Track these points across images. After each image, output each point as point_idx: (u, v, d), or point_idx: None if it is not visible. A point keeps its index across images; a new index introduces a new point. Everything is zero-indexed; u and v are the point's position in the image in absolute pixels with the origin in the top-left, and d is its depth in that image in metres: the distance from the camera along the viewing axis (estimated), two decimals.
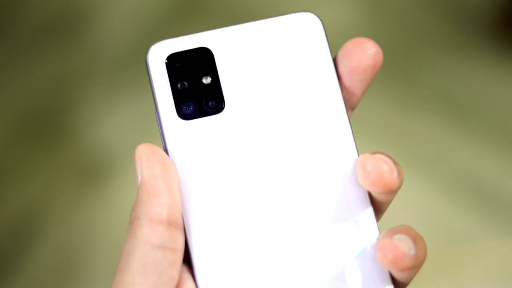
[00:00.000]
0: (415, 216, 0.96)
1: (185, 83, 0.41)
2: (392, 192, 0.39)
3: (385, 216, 0.43)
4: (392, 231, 0.39)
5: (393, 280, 0.40)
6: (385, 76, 1.03)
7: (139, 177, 0.40)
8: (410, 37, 1.06)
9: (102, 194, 0.95)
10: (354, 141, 0.41)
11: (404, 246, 0.38)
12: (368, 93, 1.03)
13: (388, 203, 0.41)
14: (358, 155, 0.40)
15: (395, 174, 0.39)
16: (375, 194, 0.40)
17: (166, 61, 0.41)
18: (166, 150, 0.40)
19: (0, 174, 0.99)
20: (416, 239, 0.39)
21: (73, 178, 0.98)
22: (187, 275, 0.40)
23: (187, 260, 0.40)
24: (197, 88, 0.41)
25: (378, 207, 0.41)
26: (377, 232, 0.40)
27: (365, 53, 0.40)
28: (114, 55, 1.04)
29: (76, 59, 1.04)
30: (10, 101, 1.02)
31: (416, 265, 0.39)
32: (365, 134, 0.95)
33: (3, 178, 0.99)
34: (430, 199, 0.97)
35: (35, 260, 0.95)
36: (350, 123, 0.41)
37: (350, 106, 0.42)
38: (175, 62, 0.41)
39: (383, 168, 0.39)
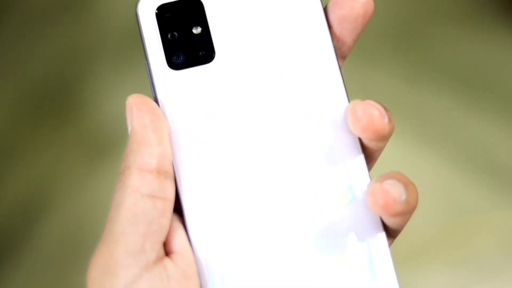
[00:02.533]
0: (425, 188, 0.95)
1: (175, 34, 0.41)
2: (383, 138, 0.39)
3: None
4: (383, 177, 0.39)
5: (385, 227, 0.40)
6: (395, 48, 1.03)
7: (129, 128, 0.40)
8: (421, 10, 1.06)
9: (111, 169, 0.95)
10: (345, 89, 0.41)
11: (395, 191, 0.38)
12: (378, 66, 1.03)
13: (380, 150, 0.40)
14: (349, 103, 0.40)
15: (386, 119, 0.39)
16: (366, 141, 0.40)
17: (156, 11, 0.41)
18: (156, 100, 0.40)
19: (9, 149, 1.00)
20: (407, 184, 0.38)
21: (82, 154, 0.99)
22: (178, 224, 0.39)
23: (178, 210, 0.40)
24: (187, 38, 0.41)
25: (369, 155, 0.40)
26: (368, 180, 0.40)
27: (355, 1, 0.40)
28: (124, 30, 1.04)
29: (85, 34, 1.04)
30: (19, 77, 1.03)
31: (408, 211, 0.38)
32: None
33: (12, 154, 0.99)
34: (440, 171, 0.97)
35: (44, 234, 0.96)
36: (341, 72, 0.41)
37: (341, 55, 0.41)
38: (165, 13, 0.41)
39: (373, 114, 0.38)
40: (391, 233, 0.40)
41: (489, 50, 1.03)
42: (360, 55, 0.98)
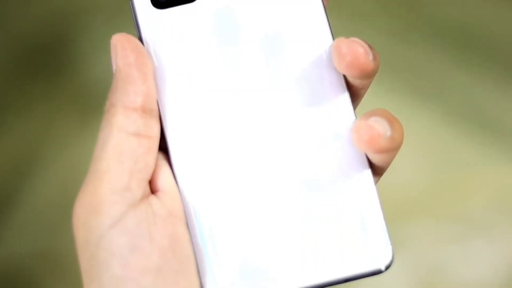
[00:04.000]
0: (417, 144, 0.96)
1: None
2: (368, 75, 0.39)
3: None
4: (368, 114, 0.39)
5: (371, 165, 0.40)
6: (385, 5, 1.03)
7: (114, 66, 0.39)
8: None
9: None
10: (330, 28, 0.40)
11: (380, 127, 0.38)
12: (368, 22, 1.03)
13: (365, 88, 0.40)
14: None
15: (370, 56, 0.38)
16: (351, 78, 0.40)
17: None
18: (140, 40, 0.40)
19: (1, 105, 0.99)
20: (392, 121, 0.38)
21: (74, 111, 0.99)
22: (163, 163, 0.39)
23: (164, 149, 0.40)
24: None
25: (354, 93, 0.40)
26: (354, 118, 0.40)
27: None
28: None
29: None
30: (11, 33, 1.02)
31: (393, 148, 0.38)
32: None
33: (4, 111, 0.99)
34: (432, 126, 0.97)
35: (36, 190, 0.96)
36: (325, 11, 0.40)
37: None
38: None
39: (358, 50, 0.38)
40: (377, 170, 0.40)
41: (480, 4, 1.02)
42: (350, 11, 0.98)
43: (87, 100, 0.98)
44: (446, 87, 0.99)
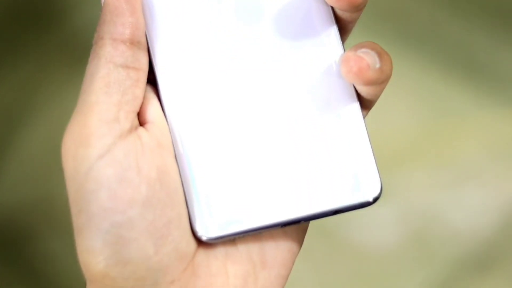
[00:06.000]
0: (408, 92, 0.96)
1: None
2: (356, 8, 0.39)
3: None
4: (357, 46, 0.38)
5: (359, 99, 0.40)
6: None
7: (102, 0, 0.39)
8: None
9: None
10: None
11: (369, 58, 0.38)
12: None
13: (354, 22, 0.40)
14: None
15: None
16: (339, 12, 0.39)
17: None
18: None
19: None
20: (381, 53, 0.38)
21: (64, 59, 0.98)
22: (152, 95, 0.39)
23: (153, 82, 0.40)
24: None
25: (343, 27, 0.40)
26: (342, 51, 0.40)
27: None
28: None
29: None
30: None
31: (382, 80, 0.38)
32: None
33: None
34: (423, 73, 0.97)
35: (28, 141, 0.96)
36: None
37: None
38: None
39: None
40: (365, 104, 0.40)
41: None
42: None
43: (77, 48, 0.98)
44: (437, 34, 0.98)
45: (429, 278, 0.91)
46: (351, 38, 0.41)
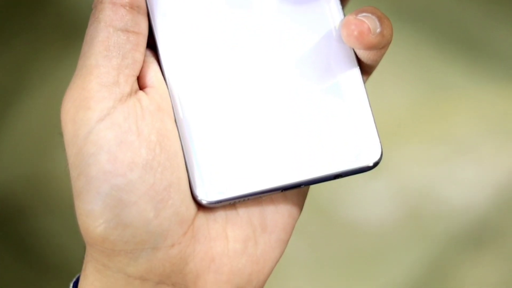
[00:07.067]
0: (402, 65, 0.96)
1: None
2: None
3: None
4: (358, 11, 0.38)
5: (360, 64, 0.40)
6: None
7: None
8: None
9: None
10: None
11: (369, 22, 0.38)
12: None
13: None
14: None
15: None
16: None
17: None
18: None
19: None
20: (382, 18, 0.38)
21: (57, 37, 0.98)
22: (152, 60, 0.39)
23: (152, 46, 0.39)
24: None
25: None
26: (342, 16, 0.39)
27: None
28: None
29: None
30: None
31: (383, 44, 0.38)
32: None
33: None
34: (417, 48, 0.97)
35: (22, 118, 0.95)
36: None
37: None
38: None
39: None
40: (365, 69, 0.40)
41: None
42: None
43: (70, 25, 0.98)
44: (431, 9, 0.98)
45: (423, 254, 0.91)
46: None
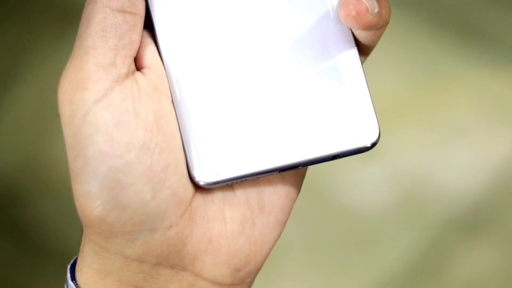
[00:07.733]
0: (399, 50, 0.95)
1: None
2: None
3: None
4: None
5: (357, 44, 0.39)
6: None
7: None
8: None
9: None
10: None
11: (367, 2, 0.38)
12: None
13: None
14: None
15: None
16: None
17: None
18: None
19: None
20: None
21: (52, 20, 0.97)
22: (149, 41, 0.39)
23: (149, 27, 0.39)
24: None
25: None
26: None
27: None
28: None
29: None
30: None
31: (380, 24, 0.38)
32: None
33: None
34: (413, 32, 0.96)
35: (17, 102, 0.95)
36: None
37: None
38: None
39: None
40: (363, 49, 0.40)
41: None
42: None
43: (65, 9, 0.97)
44: None
45: (418, 237, 0.91)
46: None
